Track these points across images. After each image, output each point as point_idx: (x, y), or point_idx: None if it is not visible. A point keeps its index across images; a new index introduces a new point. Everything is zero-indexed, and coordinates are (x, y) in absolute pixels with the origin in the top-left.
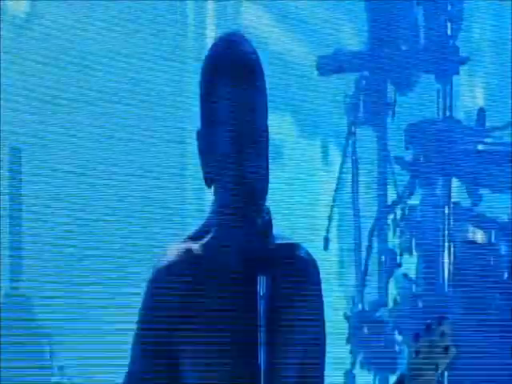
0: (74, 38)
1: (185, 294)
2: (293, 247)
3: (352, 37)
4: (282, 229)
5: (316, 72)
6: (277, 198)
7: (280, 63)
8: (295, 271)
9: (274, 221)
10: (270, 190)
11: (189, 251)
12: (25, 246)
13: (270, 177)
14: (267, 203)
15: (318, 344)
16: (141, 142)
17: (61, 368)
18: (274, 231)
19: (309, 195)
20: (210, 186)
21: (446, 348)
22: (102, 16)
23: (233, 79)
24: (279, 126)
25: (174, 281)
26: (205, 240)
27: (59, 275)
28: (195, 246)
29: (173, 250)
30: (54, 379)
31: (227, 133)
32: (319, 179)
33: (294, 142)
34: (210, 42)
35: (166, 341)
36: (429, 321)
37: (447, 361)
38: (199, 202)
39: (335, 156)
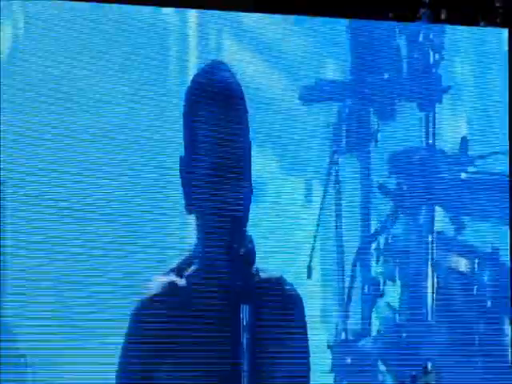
0: (58, 72)
1: (168, 327)
2: (278, 281)
3: (334, 66)
4: (265, 259)
5: (298, 105)
6: (259, 229)
7: (261, 98)
8: (281, 305)
9: (256, 250)
10: (253, 223)
11: (172, 284)
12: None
13: (252, 210)
14: (249, 233)
15: (303, 376)
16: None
17: None
18: (258, 263)
19: (291, 228)
20: (190, 213)
21: None
22: (85, 50)
23: (213, 104)
24: (262, 161)
25: (158, 314)
26: (188, 272)
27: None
28: (179, 279)
29: (156, 283)
30: None
31: (207, 158)
32: (301, 213)
33: (276, 176)
34: (191, 76)
35: (150, 372)
36: (414, 372)
37: None
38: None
39: (318, 188)
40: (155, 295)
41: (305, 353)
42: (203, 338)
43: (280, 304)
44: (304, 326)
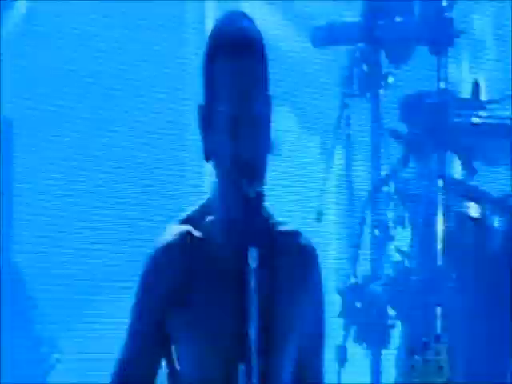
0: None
1: (182, 277)
2: (295, 235)
3: (347, 7)
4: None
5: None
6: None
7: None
8: (298, 260)
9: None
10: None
11: (188, 233)
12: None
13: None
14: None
15: (318, 332)
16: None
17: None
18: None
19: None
20: (208, 160)
21: (441, 368)
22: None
23: (231, 53)
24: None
25: (172, 263)
26: (205, 223)
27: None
28: (194, 229)
29: (172, 232)
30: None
31: (225, 107)
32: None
33: (290, 131)
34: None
35: (161, 322)
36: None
37: (441, 381)
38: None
39: (330, 135)
40: (170, 245)
41: (321, 307)
42: (216, 292)
43: (297, 259)
44: (320, 280)
